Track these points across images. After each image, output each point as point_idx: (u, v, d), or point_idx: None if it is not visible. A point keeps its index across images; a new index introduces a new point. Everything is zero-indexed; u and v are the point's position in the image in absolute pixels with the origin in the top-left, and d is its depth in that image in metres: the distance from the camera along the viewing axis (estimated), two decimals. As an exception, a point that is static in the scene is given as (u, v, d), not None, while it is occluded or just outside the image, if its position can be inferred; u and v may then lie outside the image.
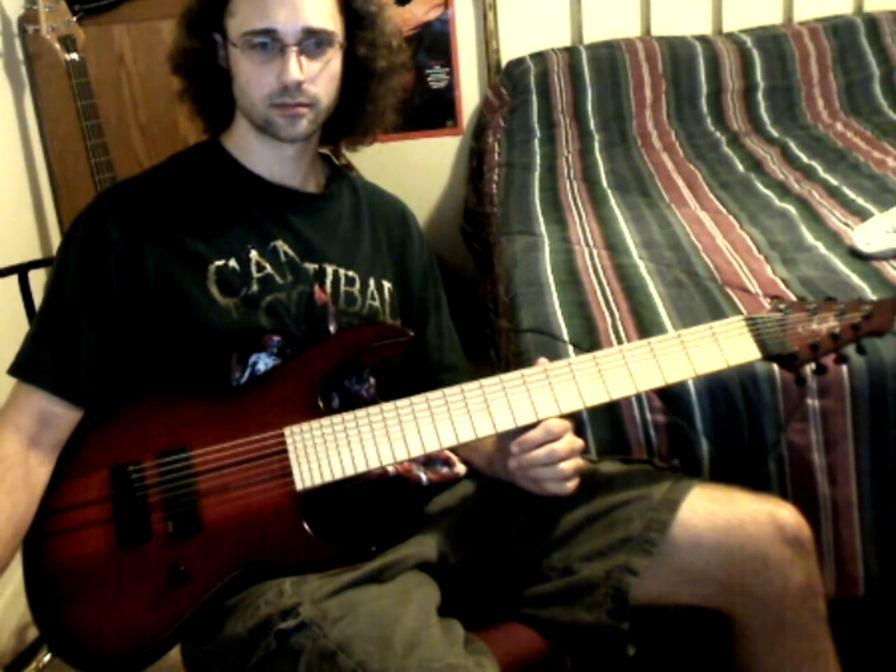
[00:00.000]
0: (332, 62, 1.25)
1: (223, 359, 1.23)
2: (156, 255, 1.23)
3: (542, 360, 1.23)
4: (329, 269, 1.30)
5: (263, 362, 1.23)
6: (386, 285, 1.36)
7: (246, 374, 1.23)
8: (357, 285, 1.32)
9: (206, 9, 1.27)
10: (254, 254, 1.26)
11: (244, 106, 1.27)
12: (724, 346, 1.21)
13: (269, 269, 1.26)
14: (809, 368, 1.25)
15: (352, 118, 1.36)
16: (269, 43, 1.21)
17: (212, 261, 1.24)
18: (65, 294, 1.23)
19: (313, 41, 1.22)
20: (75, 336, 1.22)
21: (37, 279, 1.94)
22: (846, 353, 1.25)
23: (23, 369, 1.22)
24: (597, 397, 1.19)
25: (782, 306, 1.25)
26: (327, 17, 1.23)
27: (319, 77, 1.23)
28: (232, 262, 1.25)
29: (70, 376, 1.21)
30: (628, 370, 1.20)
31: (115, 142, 2.41)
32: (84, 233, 1.25)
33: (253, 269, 1.25)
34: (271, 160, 1.31)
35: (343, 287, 1.30)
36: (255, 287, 1.24)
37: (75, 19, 2.31)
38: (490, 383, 1.20)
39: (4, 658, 2.00)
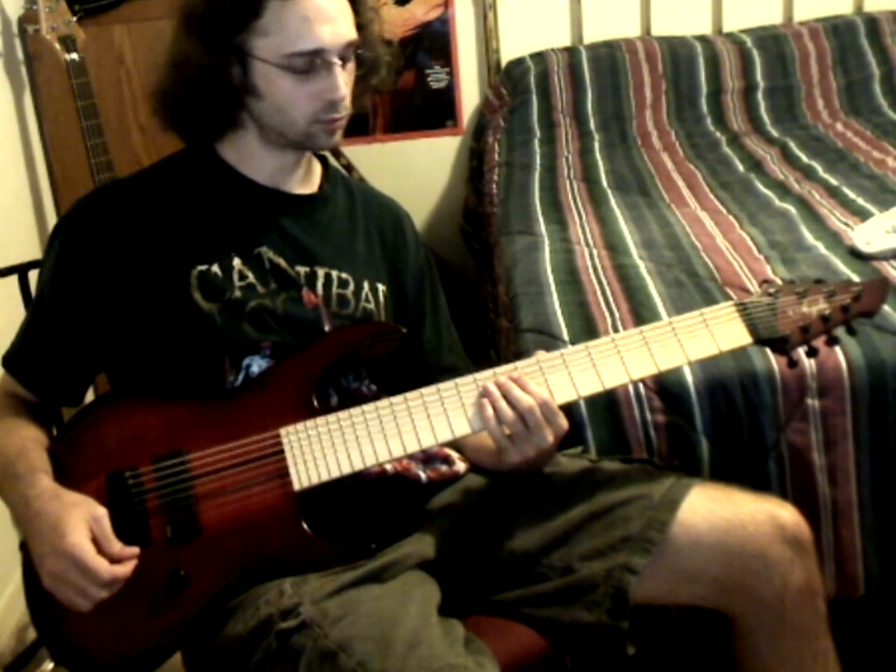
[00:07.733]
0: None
1: (215, 363, 1.22)
2: (139, 258, 1.23)
3: (539, 353, 1.23)
4: (321, 272, 1.29)
5: (257, 364, 1.23)
6: (381, 287, 1.35)
7: (241, 377, 1.23)
8: (351, 286, 1.31)
9: (225, 25, 1.20)
10: (237, 262, 1.25)
11: (277, 124, 1.23)
12: (716, 332, 1.21)
13: (251, 278, 1.25)
14: (802, 350, 1.25)
15: None
16: (316, 62, 1.19)
17: (195, 266, 1.23)
18: (44, 297, 1.27)
19: (350, 52, 1.23)
20: (51, 338, 1.26)
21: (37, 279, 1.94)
22: (836, 335, 1.25)
23: (7, 358, 1.29)
24: (591, 386, 1.19)
25: (772, 290, 1.25)
26: (353, 25, 1.24)
27: (349, 85, 1.24)
28: (215, 268, 1.24)
29: (45, 376, 1.27)
30: (621, 358, 1.20)
31: (115, 142, 2.40)
32: (64, 237, 1.26)
33: (235, 276, 1.24)
34: (272, 166, 1.29)
35: (335, 290, 1.29)
36: (237, 294, 1.23)
37: (75, 19, 2.30)
38: (484, 376, 1.19)
39: (4, 658, 2.00)
